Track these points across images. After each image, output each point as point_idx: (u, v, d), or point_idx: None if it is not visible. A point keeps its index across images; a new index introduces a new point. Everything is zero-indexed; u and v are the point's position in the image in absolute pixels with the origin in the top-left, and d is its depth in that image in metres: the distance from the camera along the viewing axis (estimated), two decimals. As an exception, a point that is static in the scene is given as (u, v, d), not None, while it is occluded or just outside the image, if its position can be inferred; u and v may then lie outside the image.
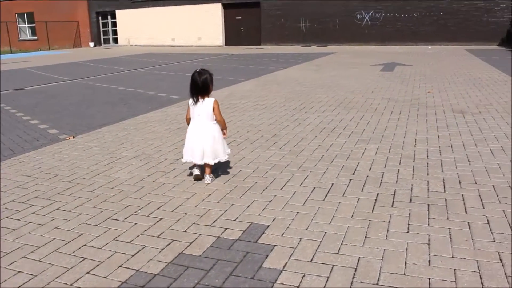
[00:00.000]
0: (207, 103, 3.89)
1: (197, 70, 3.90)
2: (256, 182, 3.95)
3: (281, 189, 3.77)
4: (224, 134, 4.04)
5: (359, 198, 3.49)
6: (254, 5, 27.52)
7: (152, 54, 23.75)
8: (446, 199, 3.40)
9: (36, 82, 12.80)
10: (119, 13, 32.68)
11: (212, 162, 3.92)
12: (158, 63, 18.13)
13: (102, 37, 34.77)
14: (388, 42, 24.15)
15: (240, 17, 28.65)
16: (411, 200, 3.42)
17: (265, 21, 27.42)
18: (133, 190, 3.93)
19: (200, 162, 3.93)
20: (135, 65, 17.71)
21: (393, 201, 3.39)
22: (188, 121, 4.09)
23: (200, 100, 3.89)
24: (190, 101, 3.95)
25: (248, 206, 3.44)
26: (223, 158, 4.00)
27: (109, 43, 34.68)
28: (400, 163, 4.30)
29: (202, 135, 3.90)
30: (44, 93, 10.42)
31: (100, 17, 34.14)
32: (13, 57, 25.90)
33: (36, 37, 36.68)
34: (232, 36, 29.14)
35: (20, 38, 38.03)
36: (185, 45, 30.41)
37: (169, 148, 5.27)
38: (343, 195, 3.56)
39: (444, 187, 3.64)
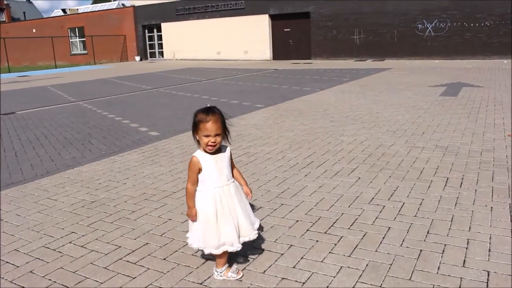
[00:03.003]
0: None
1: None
2: None
3: None
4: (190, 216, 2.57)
5: None
6: (303, 16, 25.10)
7: (190, 69, 21.99)
8: None
9: (36, 104, 11.47)
10: (164, 26, 31.45)
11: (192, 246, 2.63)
12: (187, 81, 16.22)
13: (148, 50, 33.75)
14: (455, 56, 20.80)
15: (288, 29, 26.32)
16: None
17: (316, 33, 24.88)
18: None
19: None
20: (161, 82, 15.91)
21: None
22: None
23: None
24: None
25: None
26: (201, 247, 2.57)
27: (155, 56, 33.58)
28: None
29: None
30: (22, 121, 8.72)
31: (146, 30, 33.13)
32: (49, 73, 25.18)
33: (86, 51, 36.45)
34: (280, 49, 26.85)
35: (72, 52, 38.02)
36: (231, 59, 28.51)
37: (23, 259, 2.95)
38: None
39: None
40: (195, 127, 2.46)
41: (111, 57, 34.48)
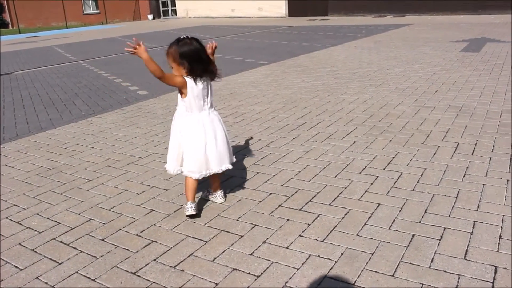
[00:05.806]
0: None
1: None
2: None
3: None
4: None
5: None
6: (319, -31, 23.81)
7: (202, 27, 21.20)
8: None
9: (36, 64, 11.04)
10: (177, -18, 30.42)
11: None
12: (193, 39, 15.48)
13: (161, 9, 32.87)
14: (482, 11, 19.48)
15: (304, -16, 25.08)
16: None
17: (333, -12, 23.65)
18: None
19: None
20: (168, 40, 14.95)
21: None
22: None
23: None
24: None
25: None
26: None
27: (168, 15, 32.71)
28: None
29: None
30: (14, 82, 8.31)
31: (158, -12, 32.15)
32: (59, 33, 24.65)
33: (98, 11, 35.68)
34: (297, 5, 25.74)
35: (85, 12, 37.23)
36: (245, 16, 27.50)
37: None
38: None
39: None
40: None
41: (124, 16, 33.76)
